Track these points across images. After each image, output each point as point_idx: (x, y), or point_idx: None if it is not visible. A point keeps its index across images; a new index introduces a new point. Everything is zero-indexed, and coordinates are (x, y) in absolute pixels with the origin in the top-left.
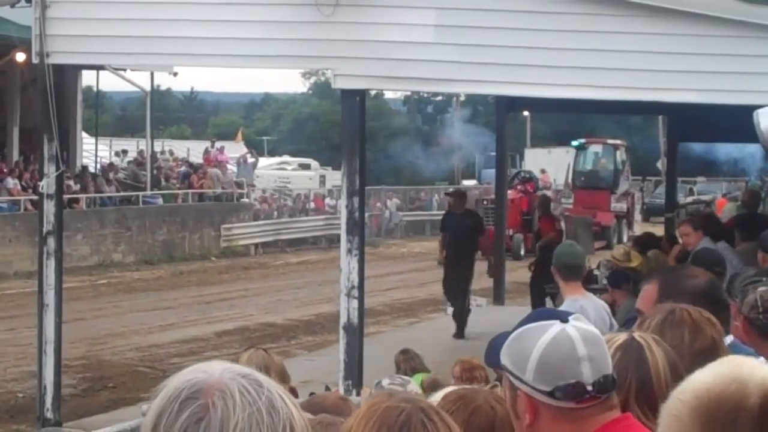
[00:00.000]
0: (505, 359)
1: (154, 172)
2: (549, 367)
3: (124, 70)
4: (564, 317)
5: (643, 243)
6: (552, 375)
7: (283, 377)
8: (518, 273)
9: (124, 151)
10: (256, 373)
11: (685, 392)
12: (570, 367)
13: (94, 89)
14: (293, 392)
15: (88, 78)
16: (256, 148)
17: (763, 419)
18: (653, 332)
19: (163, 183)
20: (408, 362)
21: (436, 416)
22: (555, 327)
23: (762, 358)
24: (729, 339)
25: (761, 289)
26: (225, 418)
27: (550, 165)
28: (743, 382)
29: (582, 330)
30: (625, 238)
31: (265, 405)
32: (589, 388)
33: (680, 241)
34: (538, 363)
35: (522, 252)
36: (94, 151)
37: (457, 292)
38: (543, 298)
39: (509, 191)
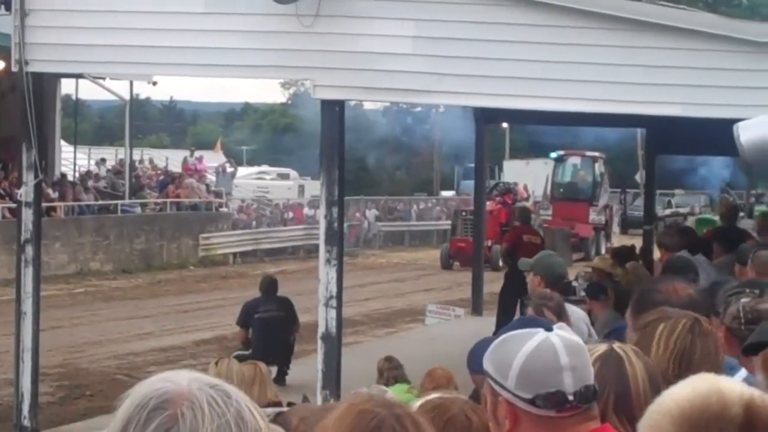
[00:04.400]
0: (487, 365)
1: (133, 180)
2: (531, 375)
3: (103, 78)
4: (548, 326)
5: (621, 255)
6: (534, 383)
7: (265, 387)
8: (497, 284)
9: (103, 160)
10: (225, 384)
11: (666, 404)
12: (552, 376)
13: (73, 97)
14: (277, 404)
15: (67, 86)
16: (234, 157)
17: (747, 428)
18: (681, 336)
19: (143, 192)
20: (392, 371)
21: (411, 424)
22: (539, 335)
23: (743, 370)
24: None
25: (744, 300)
26: (193, 428)
27: (528, 177)
28: (722, 393)
29: (565, 339)
30: (603, 250)
31: (233, 417)
32: (571, 397)
33: (655, 255)
34: (521, 370)
35: (500, 263)
36: (72, 159)
37: None
38: None
39: (488, 202)
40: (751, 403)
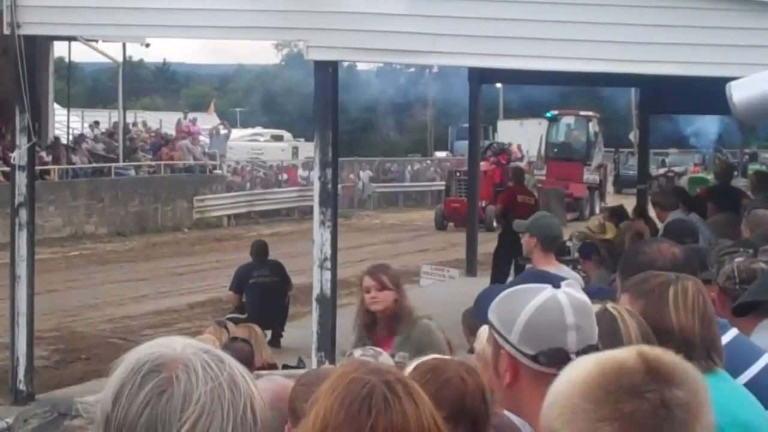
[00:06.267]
0: (492, 316)
1: (127, 143)
2: (535, 331)
3: (96, 41)
4: (557, 282)
5: (617, 214)
6: (537, 340)
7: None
8: (491, 244)
9: (96, 123)
10: (217, 349)
11: (563, 389)
12: (556, 334)
13: (66, 60)
14: (272, 366)
15: (59, 49)
16: (228, 119)
17: (650, 372)
18: (696, 296)
19: (137, 154)
20: None
21: (402, 390)
22: (546, 291)
23: (735, 329)
24: None
25: (738, 259)
26: (188, 391)
27: (522, 137)
28: (612, 354)
29: (573, 297)
30: (597, 210)
31: (226, 381)
32: (573, 356)
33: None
34: (525, 326)
35: (494, 223)
36: (66, 122)
37: None
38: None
39: (482, 163)
40: (642, 351)
